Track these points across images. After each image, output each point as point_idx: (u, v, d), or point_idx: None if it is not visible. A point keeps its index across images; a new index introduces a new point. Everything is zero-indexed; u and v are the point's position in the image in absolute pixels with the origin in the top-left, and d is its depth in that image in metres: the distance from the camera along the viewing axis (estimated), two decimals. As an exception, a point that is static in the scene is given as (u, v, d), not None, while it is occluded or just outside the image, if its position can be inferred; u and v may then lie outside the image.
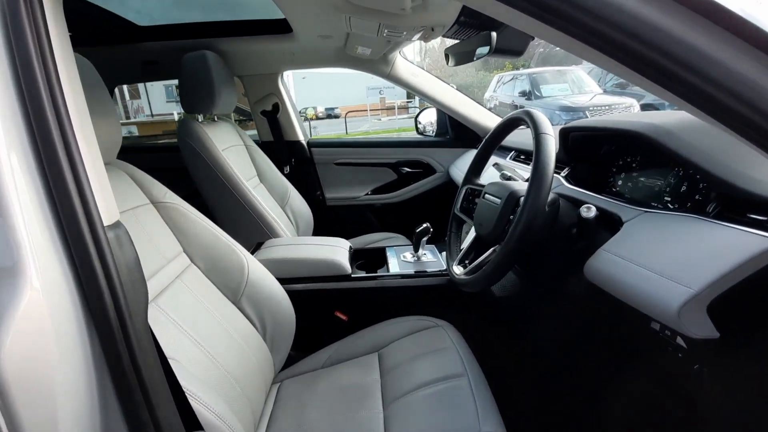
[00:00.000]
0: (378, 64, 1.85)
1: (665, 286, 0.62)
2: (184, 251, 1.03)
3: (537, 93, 8.77)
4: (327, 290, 1.29)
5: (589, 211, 0.76)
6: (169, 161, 1.57)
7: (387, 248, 1.53)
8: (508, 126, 0.99)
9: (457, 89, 2.04)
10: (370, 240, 1.98)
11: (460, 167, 2.03)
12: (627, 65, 0.35)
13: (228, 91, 1.61)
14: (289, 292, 1.18)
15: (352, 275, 1.30)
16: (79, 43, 1.61)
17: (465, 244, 1.01)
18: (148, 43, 1.68)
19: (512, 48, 1.18)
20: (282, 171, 2.04)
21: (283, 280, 1.25)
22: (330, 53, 1.80)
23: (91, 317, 0.47)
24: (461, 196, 1.12)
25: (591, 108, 7.55)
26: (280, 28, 1.61)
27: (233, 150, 1.68)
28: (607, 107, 7.49)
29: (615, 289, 0.70)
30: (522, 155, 1.50)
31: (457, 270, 0.96)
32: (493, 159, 1.74)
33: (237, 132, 1.81)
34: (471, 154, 2.05)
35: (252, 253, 1.38)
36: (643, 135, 0.79)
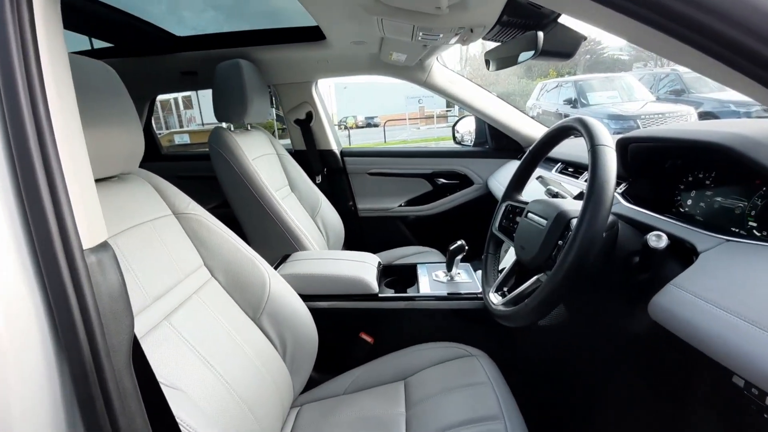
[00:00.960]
0: (414, 71, 1.77)
1: (756, 338, 0.49)
2: (204, 264, 1.00)
3: (583, 101, 8.38)
4: (352, 309, 1.21)
5: (659, 241, 0.64)
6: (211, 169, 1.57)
7: (418, 265, 1.44)
8: (557, 135, 0.87)
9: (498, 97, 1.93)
10: (401, 254, 1.89)
11: (499, 179, 1.91)
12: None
13: (260, 99, 1.59)
14: (312, 310, 1.12)
15: (380, 294, 1.22)
16: (122, 53, 1.65)
17: (503, 268, 0.90)
18: (186, 53, 1.70)
19: (561, 50, 1.07)
20: (314, 181, 2.00)
21: (306, 297, 1.19)
22: (364, 60, 1.75)
23: (64, 356, 0.41)
24: (500, 214, 1.01)
25: (643, 116, 7.10)
26: (313, 35, 1.57)
27: (264, 159, 1.66)
28: (660, 115, 7.01)
29: (688, 334, 0.58)
30: (570, 168, 1.36)
31: (494, 298, 0.86)
32: (537, 172, 1.61)
33: (270, 141, 1.79)
34: (512, 166, 1.92)
35: (278, 265, 1.34)
36: (728, 147, 0.66)
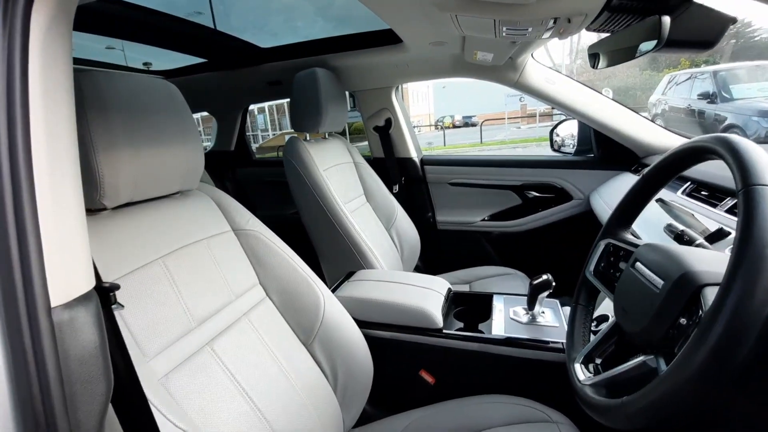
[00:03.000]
0: (504, 71, 1.57)
1: None
2: (260, 283, 0.96)
3: (725, 94, 6.97)
4: (413, 343, 1.08)
5: None
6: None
7: (495, 296, 1.25)
8: (686, 159, 0.63)
9: (613, 94, 1.62)
10: (481, 274, 1.70)
11: (605, 196, 1.60)
12: None
13: (337, 108, 1.54)
14: (369, 338, 1.02)
15: (444, 330, 1.07)
16: (215, 67, 1.74)
17: (597, 328, 0.69)
18: (270, 63, 1.73)
19: (697, 38, 0.81)
20: (391, 190, 1.91)
21: (363, 323, 1.10)
22: (446, 62, 1.60)
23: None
24: (598, 254, 0.79)
25: (813, 112, 5.68)
26: (390, 39, 1.47)
27: (339, 169, 1.61)
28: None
29: None
30: (703, 190, 1.05)
31: (581, 372, 0.65)
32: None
33: (347, 149, 1.74)
34: (622, 180, 1.60)
35: (340, 283, 1.27)
36: None
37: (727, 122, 6.55)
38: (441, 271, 1.82)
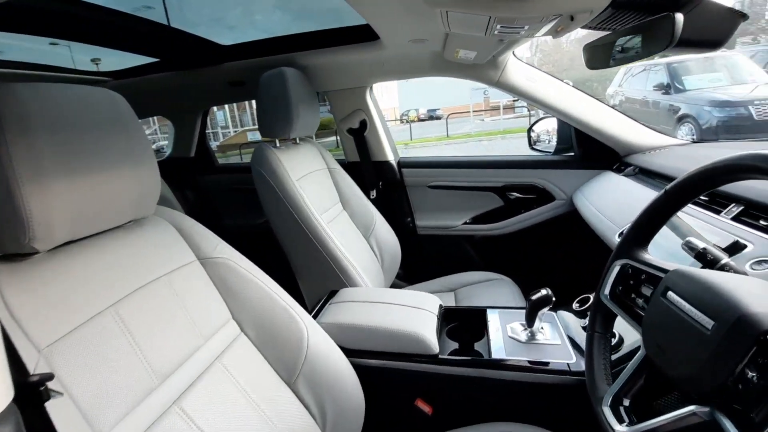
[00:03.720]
0: (484, 70, 1.49)
1: None
2: (233, 317, 0.84)
3: (678, 85, 7.31)
4: (407, 371, 0.99)
5: None
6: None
7: (488, 310, 1.18)
8: (722, 175, 0.57)
9: (573, 86, 1.58)
10: (466, 280, 1.63)
11: (588, 196, 1.57)
12: None
13: (309, 111, 1.42)
14: (358, 368, 0.93)
15: (441, 356, 0.98)
16: (168, 67, 1.57)
17: (614, 355, 0.62)
18: (232, 62, 1.58)
19: (707, 37, 0.75)
20: (368, 195, 1.80)
21: (351, 352, 1.00)
22: (425, 60, 1.50)
23: None
24: (613, 276, 0.72)
25: (756, 102, 6.02)
26: (365, 35, 1.36)
27: (313, 177, 1.49)
28: (780, 99, 5.91)
29: None
30: (719, 197, 1.01)
31: (613, 419, 0.57)
32: (645, 193, 1.26)
33: (320, 154, 1.61)
34: (605, 179, 1.57)
35: (322, 304, 1.16)
36: None
37: (681, 112, 6.87)
38: (423, 278, 1.74)
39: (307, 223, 1.29)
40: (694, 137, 6.47)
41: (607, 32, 0.86)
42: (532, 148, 1.90)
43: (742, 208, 0.86)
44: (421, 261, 1.91)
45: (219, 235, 0.90)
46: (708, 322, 0.49)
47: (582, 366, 0.92)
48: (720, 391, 0.45)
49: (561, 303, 1.09)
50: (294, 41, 1.47)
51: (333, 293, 1.23)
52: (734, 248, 0.76)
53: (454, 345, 1.08)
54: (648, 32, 0.76)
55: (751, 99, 6.15)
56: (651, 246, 0.94)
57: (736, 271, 0.64)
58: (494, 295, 1.49)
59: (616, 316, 0.71)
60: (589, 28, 0.86)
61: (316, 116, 1.50)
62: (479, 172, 1.80)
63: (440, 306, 1.16)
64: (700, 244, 0.68)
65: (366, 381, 0.93)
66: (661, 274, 0.62)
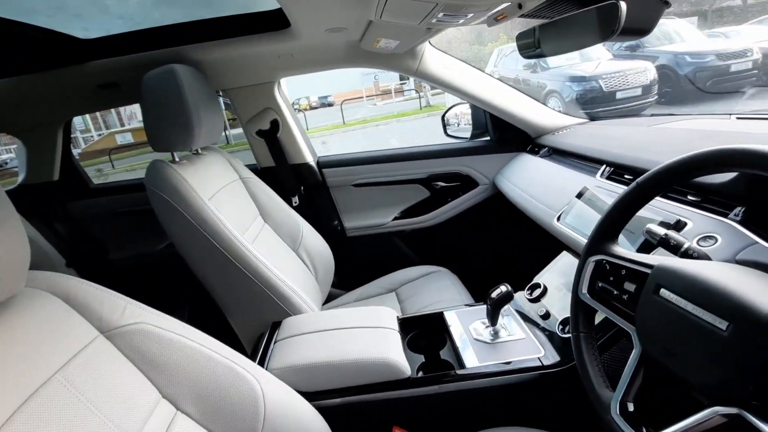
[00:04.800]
0: (403, 60, 1.41)
1: None
2: (163, 396, 0.65)
3: (543, 65, 8.22)
4: (379, 402, 0.90)
5: None
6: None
7: (445, 313, 1.14)
8: (700, 168, 0.57)
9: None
10: (405, 277, 1.58)
11: (509, 177, 1.62)
12: None
13: (211, 115, 1.19)
14: (325, 410, 0.81)
15: (412, 377, 0.91)
16: (11, 71, 1.18)
17: (626, 368, 0.61)
18: (99, 61, 1.25)
19: (636, 25, 0.76)
20: (290, 203, 1.63)
21: (314, 395, 0.87)
22: (340, 51, 1.37)
23: None
24: (589, 272, 0.71)
25: (604, 76, 7.04)
26: (273, 23, 1.17)
27: (227, 191, 1.27)
28: (619, 73, 6.99)
29: None
30: (625, 174, 1.07)
31: (627, 429, 0.55)
32: (571, 177, 1.32)
33: (229, 163, 1.39)
34: (522, 161, 1.63)
35: (267, 341, 1.00)
36: None
37: (547, 88, 7.74)
38: (360, 282, 1.65)
39: (229, 248, 1.09)
40: (561, 109, 7.37)
41: (545, 20, 0.84)
42: (448, 135, 1.91)
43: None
44: (354, 265, 1.81)
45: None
46: (721, 323, 0.48)
47: (553, 358, 0.93)
48: (747, 391, 0.45)
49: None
50: (182, 32, 1.21)
51: (275, 326, 1.07)
52: (677, 227, 0.80)
53: (419, 358, 1.02)
54: (591, 21, 0.74)
55: (599, 74, 7.16)
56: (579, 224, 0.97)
57: (699, 255, 0.66)
58: (436, 288, 1.47)
59: (596, 312, 0.70)
60: (528, 16, 0.82)
61: (219, 120, 1.28)
62: (403, 165, 1.75)
63: (398, 318, 1.08)
64: (661, 231, 0.69)
65: (336, 423, 0.82)
66: (645, 270, 0.62)
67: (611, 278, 0.67)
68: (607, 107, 7.01)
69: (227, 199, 1.25)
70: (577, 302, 0.72)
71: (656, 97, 6.98)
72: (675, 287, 0.55)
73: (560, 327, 0.97)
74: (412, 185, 1.78)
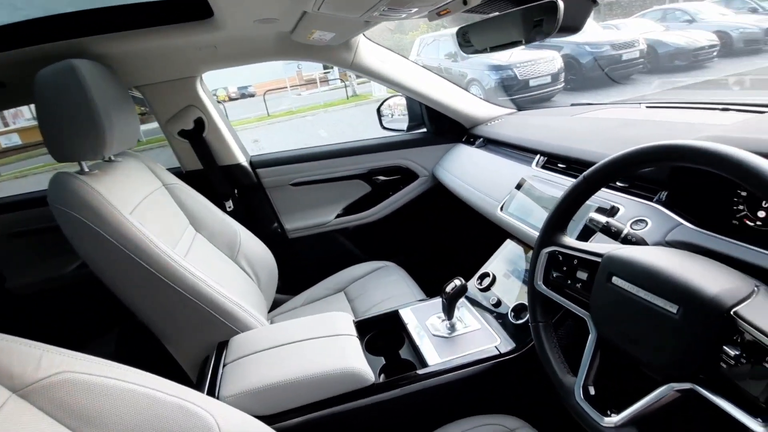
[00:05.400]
0: (337, 52, 1.36)
1: None
2: None
3: (463, 54, 8.51)
4: (344, 414, 0.87)
5: None
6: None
7: (400, 311, 1.13)
8: (646, 159, 0.60)
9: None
10: (352, 275, 1.56)
11: (448, 167, 1.65)
12: None
13: (124, 116, 1.05)
14: (287, 430, 0.76)
15: (376, 384, 0.89)
16: None
17: (585, 353, 0.64)
18: None
19: (570, 24, 0.80)
20: (223, 208, 1.51)
21: (273, 418, 0.82)
22: (269, 43, 1.27)
23: None
24: (542, 264, 0.74)
25: (517, 65, 7.50)
26: (192, 11, 1.05)
27: (150, 202, 1.13)
28: (530, 62, 7.49)
29: None
30: (559, 163, 1.13)
31: (594, 414, 0.58)
32: (506, 165, 1.37)
33: (150, 170, 1.24)
34: (459, 152, 1.67)
35: (215, 365, 0.91)
36: None
37: (468, 77, 8.06)
38: (306, 285, 1.59)
39: (159, 267, 0.97)
40: (482, 96, 7.74)
41: (485, 15, 0.84)
42: (385, 128, 1.89)
43: None
44: (299, 267, 1.74)
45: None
46: (671, 306, 0.52)
47: (509, 344, 0.96)
48: (702, 366, 0.49)
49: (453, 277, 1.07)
50: (82, 22, 1.03)
51: (222, 347, 0.98)
52: (611, 212, 0.86)
53: (379, 360, 1.00)
54: (528, 18, 0.76)
55: (514, 63, 7.61)
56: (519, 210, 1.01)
57: (637, 240, 0.72)
58: (384, 284, 1.46)
59: (552, 301, 0.73)
60: (470, 11, 0.82)
61: (135, 122, 1.13)
62: (341, 160, 1.70)
63: (353, 321, 1.05)
64: (602, 219, 0.74)
65: None
66: (595, 258, 0.65)
67: (564, 268, 0.70)
68: (523, 94, 7.49)
69: (151, 211, 1.11)
70: (534, 294, 0.74)
71: (563, 84, 7.60)
72: (626, 275, 0.58)
73: (512, 314, 1.01)
74: (352, 181, 1.74)
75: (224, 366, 0.90)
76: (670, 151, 0.57)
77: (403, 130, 1.82)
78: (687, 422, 0.71)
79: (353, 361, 0.88)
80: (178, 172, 1.51)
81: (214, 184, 1.51)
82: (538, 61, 7.57)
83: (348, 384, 0.86)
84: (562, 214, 0.72)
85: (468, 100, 1.68)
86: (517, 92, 7.53)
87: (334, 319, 1.03)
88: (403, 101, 1.85)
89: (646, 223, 0.79)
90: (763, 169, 0.45)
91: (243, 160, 1.57)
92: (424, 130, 1.80)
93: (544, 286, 0.73)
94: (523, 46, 0.81)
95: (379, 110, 1.90)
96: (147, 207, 1.10)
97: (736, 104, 1.08)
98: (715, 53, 7.54)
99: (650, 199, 0.84)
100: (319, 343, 0.93)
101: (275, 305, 1.54)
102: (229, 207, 1.55)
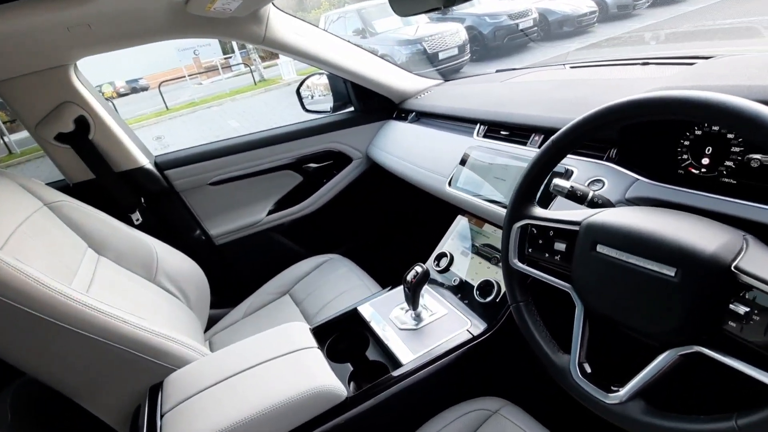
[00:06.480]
0: (245, 26, 1.17)
1: None
2: None
3: (371, 30, 8.41)
4: None
5: None
6: None
7: (358, 306, 1.04)
8: (615, 117, 0.56)
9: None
10: (295, 275, 1.43)
11: (383, 146, 1.57)
12: None
13: None
14: None
15: (350, 398, 0.79)
16: None
17: (575, 329, 0.60)
18: None
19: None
20: (130, 222, 1.28)
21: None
22: (160, 18, 1.04)
23: None
24: (515, 239, 0.68)
25: (426, 39, 7.58)
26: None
27: (27, 229, 0.89)
28: (437, 35, 7.61)
29: None
30: (501, 130, 1.10)
31: (597, 392, 0.54)
32: (441, 136, 1.32)
33: (24, 188, 0.98)
34: (391, 128, 1.59)
35: (149, 416, 0.75)
36: None
37: (379, 53, 7.93)
38: (244, 294, 1.43)
39: (54, 312, 0.75)
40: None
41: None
42: (308, 111, 1.74)
43: (543, 136, 0.97)
44: (233, 275, 1.55)
45: None
46: (669, 269, 0.49)
47: (480, 324, 0.92)
48: (704, 332, 0.47)
49: (409, 262, 1.00)
50: None
51: (156, 392, 0.81)
52: (567, 175, 0.84)
53: (346, 367, 0.91)
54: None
55: (421, 37, 7.68)
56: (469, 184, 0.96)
57: (603, 202, 0.69)
58: (334, 279, 1.35)
59: (530, 278, 0.68)
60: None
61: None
62: (265, 151, 1.52)
63: (310, 330, 0.94)
64: (567, 184, 0.70)
65: None
66: (573, 227, 0.61)
67: (540, 241, 0.66)
68: (434, 67, 7.61)
69: (32, 240, 0.88)
70: (510, 272, 0.69)
71: (470, 55, 7.86)
72: (612, 242, 0.55)
73: (478, 293, 0.97)
74: (281, 172, 1.58)
75: (162, 416, 0.74)
76: (642, 106, 0.53)
77: (328, 112, 1.69)
78: (692, 385, 0.73)
79: (321, 378, 0.77)
80: (63, 186, 1.23)
81: (113, 195, 1.26)
82: (444, 34, 7.71)
83: (319, 405, 0.75)
84: (531, 184, 0.67)
85: (395, 73, 1.59)
86: (428, 66, 7.63)
87: (288, 331, 0.91)
88: (323, 80, 1.71)
89: (603, 183, 0.77)
90: None
91: (146, 162, 1.33)
92: (352, 109, 1.68)
93: (519, 263, 0.68)
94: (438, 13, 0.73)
95: (299, 92, 1.74)
96: (24, 236, 0.86)
97: (652, 58, 1.12)
98: (595, 19, 8.27)
99: (601, 158, 0.83)
100: (276, 364, 0.81)
101: (212, 323, 1.36)
102: (137, 219, 1.31)
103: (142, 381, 0.83)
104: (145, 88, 17.33)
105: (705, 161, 0.70)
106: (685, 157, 0.73)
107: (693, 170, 0.72)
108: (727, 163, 0.67)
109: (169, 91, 12.29)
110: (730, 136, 0.67)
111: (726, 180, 0.67)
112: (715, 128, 0.69)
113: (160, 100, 11.10)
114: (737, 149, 0.66)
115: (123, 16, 0.97)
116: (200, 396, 0.76)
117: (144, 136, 1.43)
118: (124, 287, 1.05)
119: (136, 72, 17.05)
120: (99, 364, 0.80)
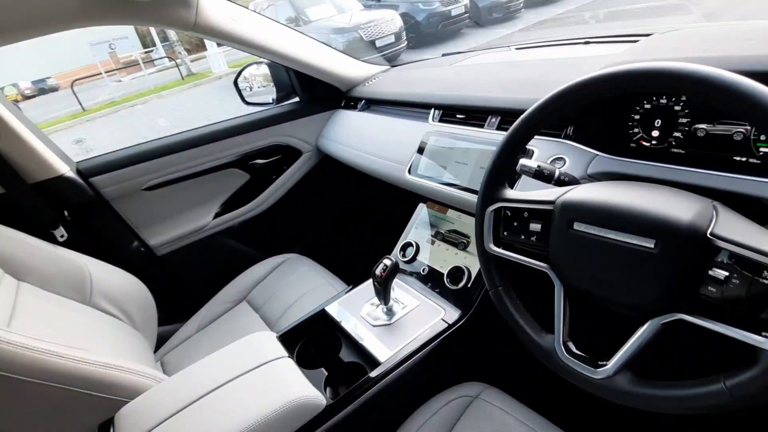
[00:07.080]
0: (172, 11, 1.04)
1: None
2: None
3: (305, 18, 8.15)
4: None
5: None
6: None
7: (326, 307, 0.98)
8: (575, 100, 0.55)
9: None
10: (251, 280, 1.34)
11: (334, 137, 1.51)
12: None
13: None
14: None
15: (329, 406, 0.74)
16: None
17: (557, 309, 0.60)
18: None
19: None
20: (53, 239, 1.12)
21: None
22: (67, 2, 0.89)
23: None
24: (488, 225, 0.67)
25: (362, 26, 7.49)
26: None
27: None
28: (372, 23, 7.54)
29: None
30: (458, 114, 1.08)
31: (586, 369, 0.53)
32: (395, 123, 1.28)
33: None
34: (340, 118, 1.53)
35: None
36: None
37: (316, 42, 7.77)
38: (195, 306, 1.32)
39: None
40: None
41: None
42: (249, 104, 1.63)
43: (500, 117, 0.97)
44: (181, 287, 1.43)
45: None
46: (648, 242, 0.49)
47: (454, 312, 0.90)
48: (683, 299, 0.48)
49: (372, 256, 0.98)
50: None
51: (106, 429, 0.71)
52: (528, 155, 0.84)
53: (320, 373, 0.86)
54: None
55: (356, 25, 7.57)
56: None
57: (571, 179, 0.70)
58: (294, 280, 1.29)
59: (507, 262, 0.67)
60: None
61: None
62: (205, 149, 1.40)
63: (277, 338, 0.88)
64: (533, 164, 0.69)
65: None
66: (547, 207, 0.60)
67: (515, 223, 0.65)
68: (372, 55, 7.55)
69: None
70: (487, 258, 0.68)
71: (406, 42, 7.88)
72: (589, 218, 0.54)
73: (448, 280, 0.96)
74: (225, 171, 1.46)
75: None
76: (615, 79, 0.53)
77: (271, 104, 1.59)
78: (673, 353, 0.76)
79: (296, 389, 0.71)
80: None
81: (28, 210, 1.10)
82: (379, 21, 7.65)
83: (299, 418, 0.70)
84: (502, 166, 0.65)
85: (340, 60, 1.52)
86: (366, 54, 7.55)
87: (254, 342, 0.84)
88: (262, 70, 1.60)
89: (565, 161, 0.78)
90: None
91: (66, 170, 1.17)
92: (297, 99, 1.59)
93: (495, 248, 0.66)
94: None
95: (236, 83, 1.62)
96: None
97: (593, 38, 1.16)
98: (521, 4, 8.62)
99: (559, 136, 0.84)
100: (245, 381, 0.74)
101: (161, 341, 1.24)
102: (62, 236, 1.15)
103: (86, 420, 0.72)
104: (54, 89, 15.67)
105: (655, 133, 0.72)
106: (636, 130, 0.75)
107: (644, 143, 0.74)
108: (676, 134, 0.70)
109: (84, 90, 11.16)
110: (677, 108, 0.70)
111: (675, 150, 0.70)
112: (663, 101, 0.71)
113: (75, 100, 10.03)
114: (684, 120, 0.69)
115: (24, 2, 0.82)
116: (161, 428, 0.67)
117: (61, 142, 1.25)
118: (54, 315, 0.92)
119: (43, 71, 15.32)
120: (30, 409, 0.68)
